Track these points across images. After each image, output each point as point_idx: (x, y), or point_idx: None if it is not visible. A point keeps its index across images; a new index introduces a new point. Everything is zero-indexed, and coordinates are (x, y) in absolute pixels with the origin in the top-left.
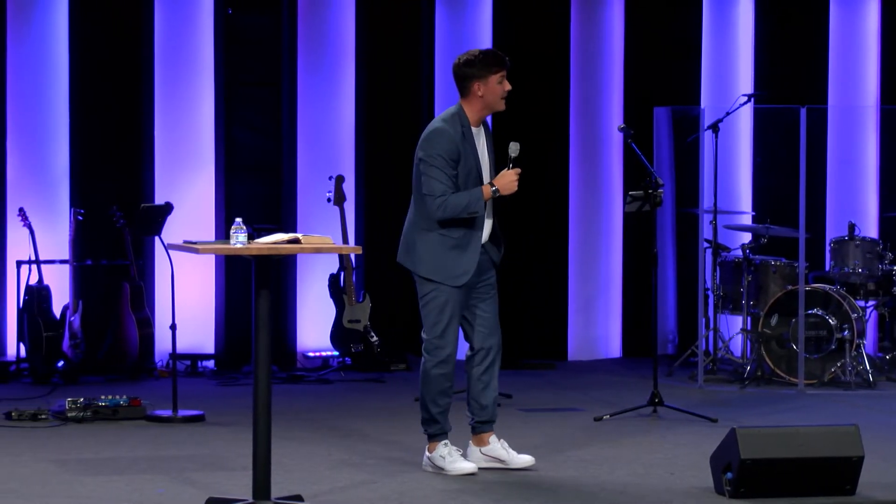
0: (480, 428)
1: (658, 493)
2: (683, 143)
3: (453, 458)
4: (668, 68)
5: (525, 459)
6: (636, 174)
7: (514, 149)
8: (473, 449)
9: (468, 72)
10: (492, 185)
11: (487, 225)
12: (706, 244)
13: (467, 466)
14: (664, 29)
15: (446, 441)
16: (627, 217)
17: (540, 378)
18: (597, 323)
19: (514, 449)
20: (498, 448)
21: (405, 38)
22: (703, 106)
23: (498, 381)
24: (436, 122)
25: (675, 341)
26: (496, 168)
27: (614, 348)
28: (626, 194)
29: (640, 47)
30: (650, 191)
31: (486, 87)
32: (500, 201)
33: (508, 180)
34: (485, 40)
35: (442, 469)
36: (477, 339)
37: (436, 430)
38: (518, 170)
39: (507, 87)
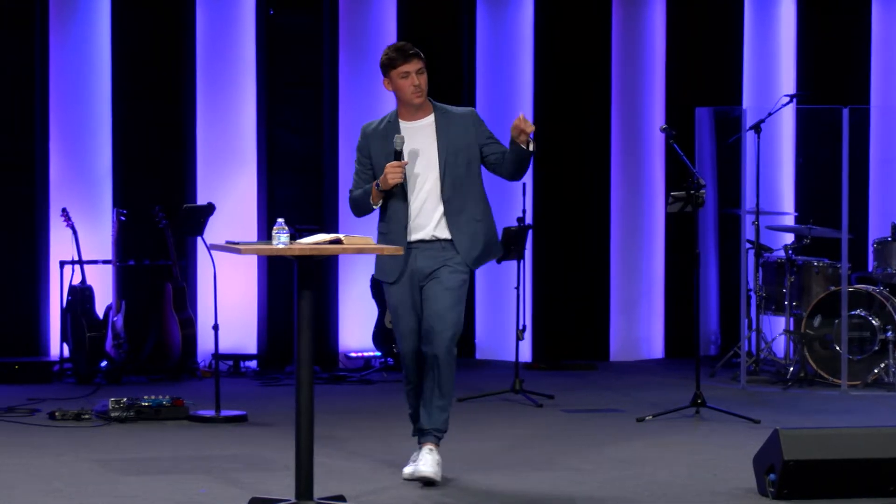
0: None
1: (701, 495)
2: (725, 144)
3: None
4: (710, 68)
5: (425, 470)
6: (678, 175)
7: (397, 142)
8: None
9: (381, 71)
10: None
11: (426, 221)
12: (748, 245)
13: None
14: (706, 29)
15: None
16: (669, 218)
17: (582, 379)
18: (639, 324)
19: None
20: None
21: (446, 38)
22: (744, 106)
23: (432, 391)
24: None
25: (718, 342)
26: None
27: (656, 349)
28: (667, 195)
29: (681, 47)
30: (692, 191)
31: (392, 85)
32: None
33: (385, 173)
34: (526, 40)
35: None
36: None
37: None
38: (396, 162)
39: (414, 81)
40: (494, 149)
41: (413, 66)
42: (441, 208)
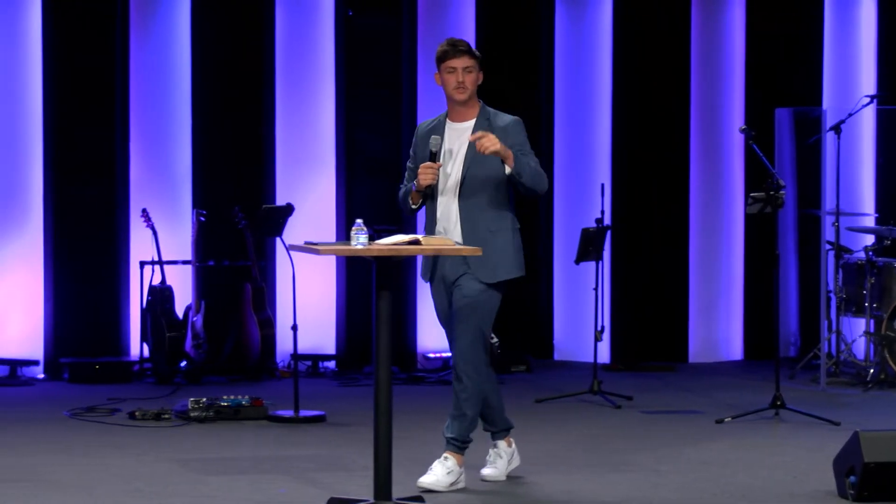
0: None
1: (780, 497)
2: (805, 145)
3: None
4: (790, 69)
5: (421, 479)
6: (758, 176)
7: (433, 143)
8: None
9: (435, 64)
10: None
11: (450, 226)
12: (828, 246)
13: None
14: (786, 29)
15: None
16: (749, 219)
17: (660, 380)
18: (718, 325)
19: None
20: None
21: (525, 38)
22: (825, 107)
23: (462, 402)
24: None
25: (798, 344)
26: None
27: (735, 350)
28: (747, 196)
29: (761, 48)
30: (772, 192)
31: (440, 78)
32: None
33: (419, 173)
34: (605, 40)
35: None
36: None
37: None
38: (430, 163)
39: (459, 77)
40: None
41: (460, 62)
42: (460, 214)
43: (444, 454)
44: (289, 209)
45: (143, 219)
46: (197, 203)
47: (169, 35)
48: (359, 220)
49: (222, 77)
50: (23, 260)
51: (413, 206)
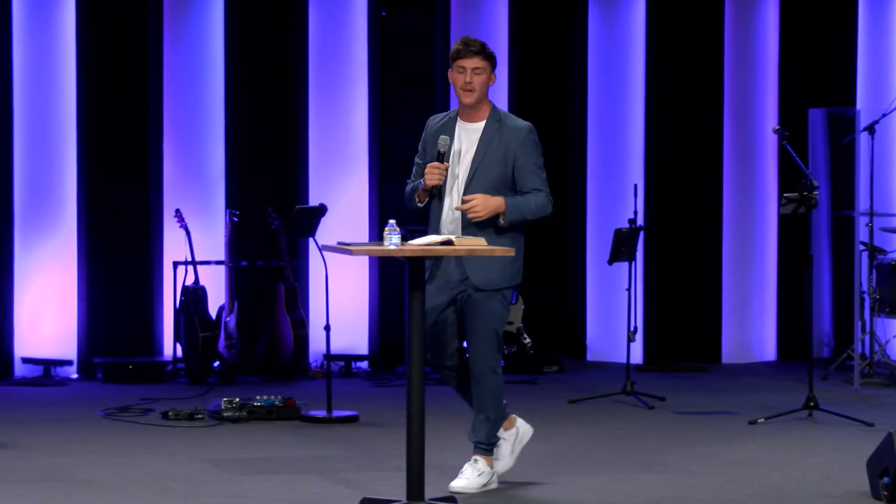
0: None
1: (813, 498)
2: (839, 145)
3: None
4: (824, 69)
5: (452, 483)
6: (791, 176)
7: (441, 143)
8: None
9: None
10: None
11: (455, 227)
12: (862, 247)
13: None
14: (819, 29)
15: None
16: (782, 219)
17: (693, 381)
18: (751, 325)
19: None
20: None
21: (558, 38)
22: (858, 107)
23: (484, 405)
24: None
25: (831, 345)
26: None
27: (769, 351)
28: (780, 196)
29: (795, 48)
30: (805, 193)
31: (451, 78)
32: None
33: (425, 172)
34: (638, 40)
35: None
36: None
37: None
38: (437, 163)
39: (466, 77)
40: (520, 180)
41: (471, 62)
42: (462, 217)
43: (474, 457)
44: (322, 209)
45: (176, 219)
46: (230, 203)
47: (202, 36)
48: (391, 221)
49: (255, 77)
50: (57, 260)
51: (419, 204)
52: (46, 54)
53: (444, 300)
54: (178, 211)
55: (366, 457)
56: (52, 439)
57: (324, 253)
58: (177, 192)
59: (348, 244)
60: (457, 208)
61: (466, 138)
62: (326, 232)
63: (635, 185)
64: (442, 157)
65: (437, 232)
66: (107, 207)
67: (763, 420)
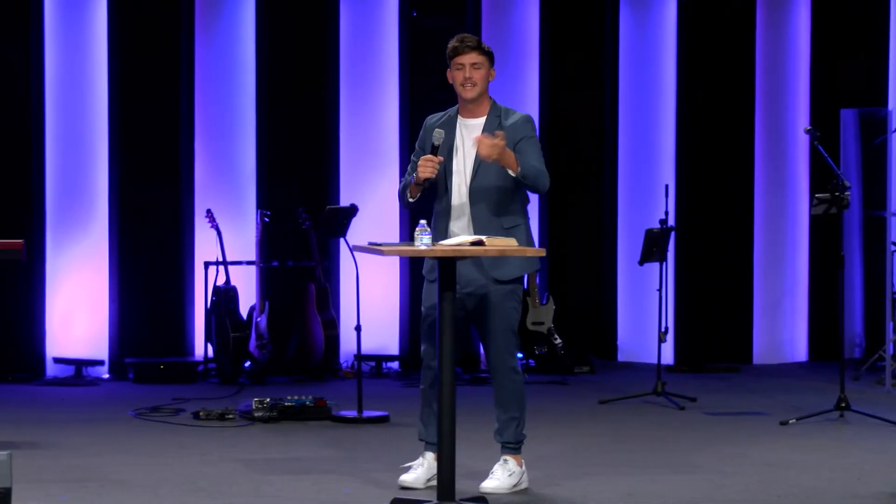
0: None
1: (844, 499)
2: (871, 145)
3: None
4: (856, 69)
5: (483, 484)
6: (823, 177)
7: (436, 136)
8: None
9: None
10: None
11: (462, 224)
12: (893, 247)
13: (406, 478)
14: (851, 29)
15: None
16: (814, 220)
17: (724, 381)
18: (782, 326)
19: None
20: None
21: (589, 38)
22: (890, 107)
23: (510, 404)
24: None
25: (863, 345)
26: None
27: (800, 352)
28: (812, 197)
29: (826, 48)
30: (837, 193)
31: (451, 77)
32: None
33: (420, 166)
34: (669, 40)
35: None
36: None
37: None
38: (430, 156)
39: (466, 73)
40: (521, 160)
41: (468, 58)
42: (470, 211)
43: (503, 457)
44: (353, 210)
45: (207, 219)
46: (261, 204)
47: (234, 35)
48: (422, 221)
49: (286, 77)
50: (88, 260)
51: (411, 200)
52: (78, 54)
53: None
54: (209, 211)
55: (396, 457)
56: (84, 439)
57: (354, 253)
58: (208, 193)
59: (379, 244)
60: (475, 138)
61: (468, 135)
62: (357, 232)
63: (666, 186)
64: (435, 150)
65: (446, 232)
66: (138, 207)
67: (794, 421)
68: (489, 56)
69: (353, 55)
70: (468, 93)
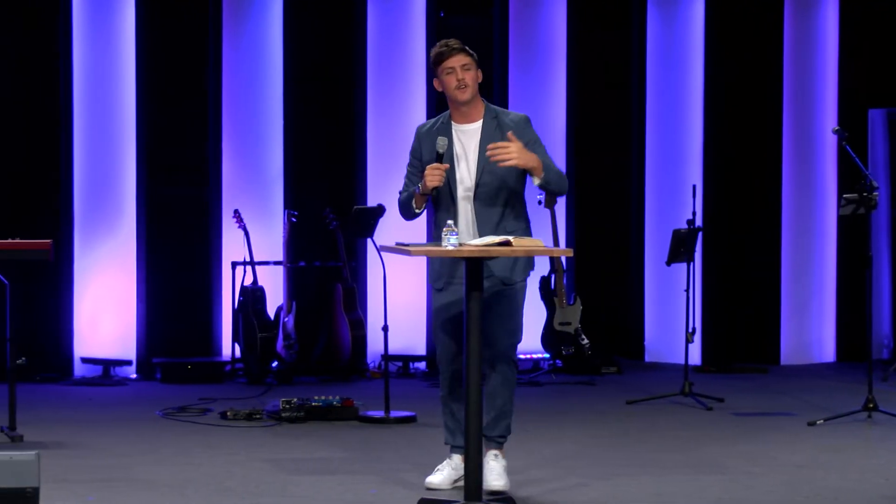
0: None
1: (872, 500)
2: None
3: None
4: (884, 69)
5: (495, 484)
6: (851, 177)
7: (440, 144)
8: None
9: (432, 70)
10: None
11: (468, 232)
12: None
13: (432, 480)
14: (879, 29)
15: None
16: (841, 220)
17: (752, 382)
18: (810, 327)
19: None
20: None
21: (617, 38)
22: None
23: (501, 398)
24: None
25: (890, 346)
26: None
27: (828, 352)
28: (840, 197)
29: (855, 48)
30: (865, 194)
31: (439, 82)
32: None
33: (424, 176)
34: (696, 40)
35: None
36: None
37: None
38: (436, 164)
39: (458, 75)
40: None
41: (457, 61)
42: (475, 217)
43: (494, 452)
44: (380, 210)
45: (234, 219)
46: (288, 204)
47: (261, 36)
48: (450, 221)
49: (314, 78)
50: (116, 260)
51: (417, 211)
52: (106, 54)
53: (455, 308)
54: (236, 211)
55: (423, 457)
56: (111, 439)
57: (382, 253)
58: (235, 193)
59: (406, 245)
60: (490, 146)
61: (466, 140)
62: (384, 232)
63: (694, 186)
64: (441, 157)
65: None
66: (166, 208)
67: (822, 421)
68: (475, 58)
69: (380, 55)
70: (463, 95)
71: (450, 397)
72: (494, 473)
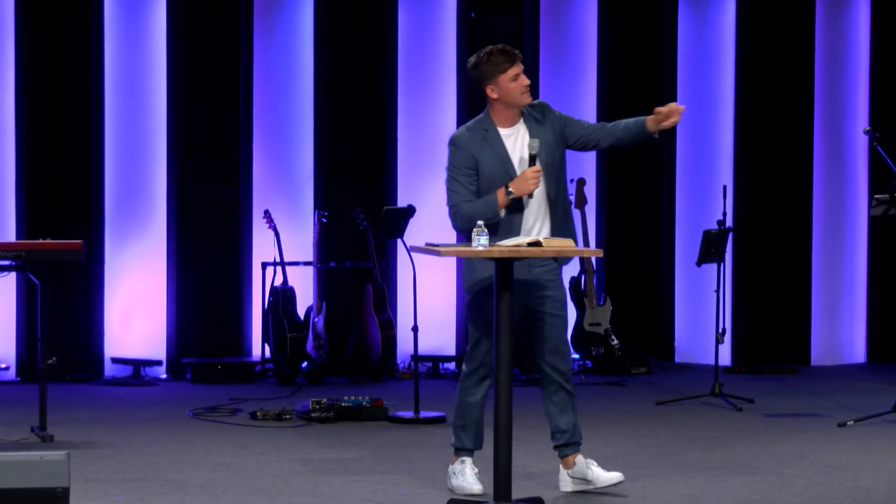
0: (562, 451)
1: None
2: None
3: (461, 477)
4: None
5: (611, 477)
6: (882, 177)
7: (532, 146)
8: (563, 473)
9: (477, 75)
10: (507, 187)
11: (539, 228)
12: None
13: (469, 487)
14: None
15: (464, 458)
16: (872, 221)
17: (783, 383)
18: (841, 327)
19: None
20: (583, 468)
21: (648, 38)
22: None
23: (575, 406)
24: (457, 130)
25: None
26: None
27: (858, 353)
28: (871, 198)
29: (887, 48)
30: None
31: (499, 89)
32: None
33: (523, 179)
34: (727, 40)
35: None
36: (540, 362)
37: (455, 444)
38: (536, 167)
39: (525, 81)
40: (579, 127)
41: (519, 67)
42: (549, 213)
43: (588, 460)
44: (410, 210)
45: (265, 220)
46: (319, 204)
47: (292, 36)
48: (479, 222)
49: (345, 78)
50: (146, 261)
51: (501, 215)
52: (137, 55)
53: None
54: (266, 212)
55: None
56: (142, 439)
57: (412, 254)
58: (266, 193)
59: (436, 245)
60: (656, 111)
61: (517, 141)
62: (414, 233)
63: (724, 187)
64: (533, 160)
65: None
66: (196, 208)
67: (852, 422)
68: None
69: (411, 56)
70: (529, 98)
71: (471, 403)
72: (597, 470)
